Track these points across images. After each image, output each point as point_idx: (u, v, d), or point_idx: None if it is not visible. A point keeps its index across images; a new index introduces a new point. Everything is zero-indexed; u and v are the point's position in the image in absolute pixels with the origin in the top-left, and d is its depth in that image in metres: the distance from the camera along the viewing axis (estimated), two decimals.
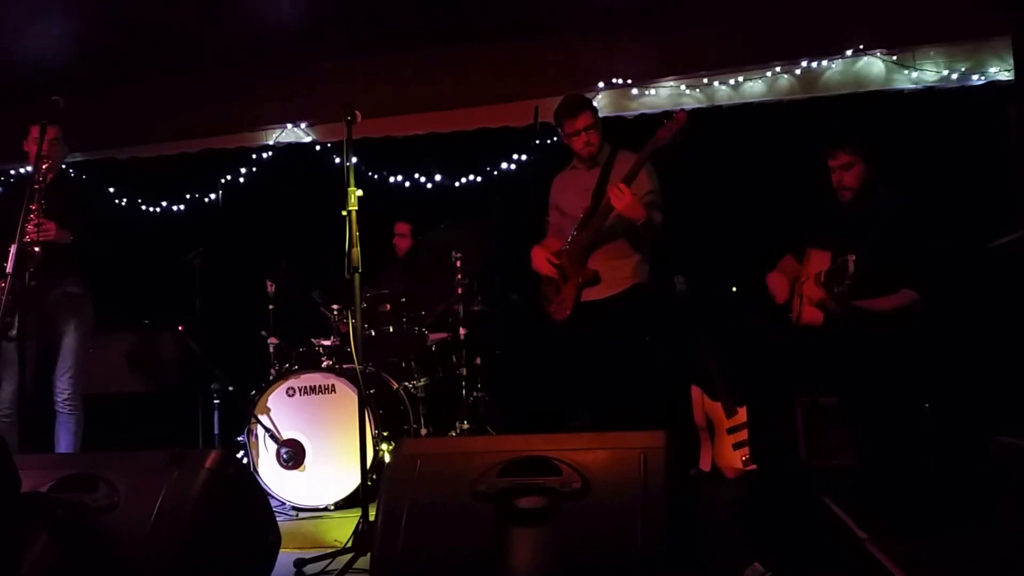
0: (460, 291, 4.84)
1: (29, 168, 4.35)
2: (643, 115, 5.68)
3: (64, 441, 4.29)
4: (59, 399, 4.28)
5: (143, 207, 6.36)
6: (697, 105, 5.62)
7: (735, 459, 4.20)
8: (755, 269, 4.09)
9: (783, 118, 5.44)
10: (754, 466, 4.04)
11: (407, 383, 4.66)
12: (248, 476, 2.73)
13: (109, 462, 2.48)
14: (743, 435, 4.18)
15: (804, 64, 5.50)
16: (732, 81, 5.61)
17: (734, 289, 5.03)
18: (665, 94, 5.73)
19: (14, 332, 3.97)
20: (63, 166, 4.22)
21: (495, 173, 5.86)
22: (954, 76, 5.24)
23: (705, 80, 5.65)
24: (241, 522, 2.49)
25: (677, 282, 4.46)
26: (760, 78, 5.58)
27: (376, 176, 6.01)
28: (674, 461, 2.20)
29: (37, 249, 4.00)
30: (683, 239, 4.86)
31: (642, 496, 2.10)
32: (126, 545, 2.27)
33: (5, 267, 3.94)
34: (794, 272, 3.85)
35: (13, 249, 3.93)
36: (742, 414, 4.20)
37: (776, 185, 5.18)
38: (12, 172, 6.62)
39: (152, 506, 2.31)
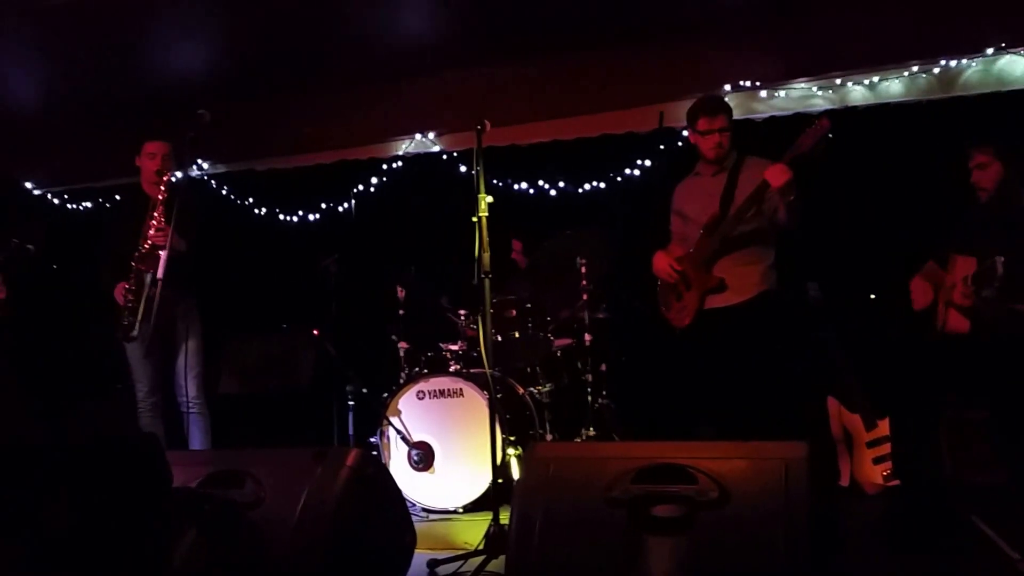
0: (585, 297, 4.83)
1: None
2: (773, 118, 5.52)
3: (197, 440, 4.52)
4: (187, 399, 4.50)
5: (280, 216, 6.62)
6: (829, 106, 5.44)
7: (875, 474, 4.03)
8: (895, 275, 3.94)
9: (921, 119, 5.19)
10: (897, 481, 3.87)
11: (532, 388, 4.68)
12: (386, 476, 2.79)
13: (254, 459, 2.59)
14: (884, 449, 4.00)
15: (943, 63, 5.24)
16: (867, 81, 5.40)
17: (872, 296, 4.84)
18: (796, 96, 5.56)
19: (135, 333, 4.26)
20: (173, 179, 4.52)
21: (619, 179, 5.82)
22: None
23: (838, 81, 5.47)
24: (380, 520, 2.56)
25: (810, 288, 4.31)
26: (897, 78, 5.36)
27: (501, 184, 6.06)
28: (816, 473, 2.14)
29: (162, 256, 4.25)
30: (817, 245, 4.72)
31: (784, 508, 2.05)
32: (271, 540, 2.36)
33: (154, 274, 4.20)
34: (938, 279, 3.69)
35: (163, 255, 4.19)
36: (883, 427, 4.03)
37: (916, 188, 4.96)
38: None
39: (296, 502, 2.40)
